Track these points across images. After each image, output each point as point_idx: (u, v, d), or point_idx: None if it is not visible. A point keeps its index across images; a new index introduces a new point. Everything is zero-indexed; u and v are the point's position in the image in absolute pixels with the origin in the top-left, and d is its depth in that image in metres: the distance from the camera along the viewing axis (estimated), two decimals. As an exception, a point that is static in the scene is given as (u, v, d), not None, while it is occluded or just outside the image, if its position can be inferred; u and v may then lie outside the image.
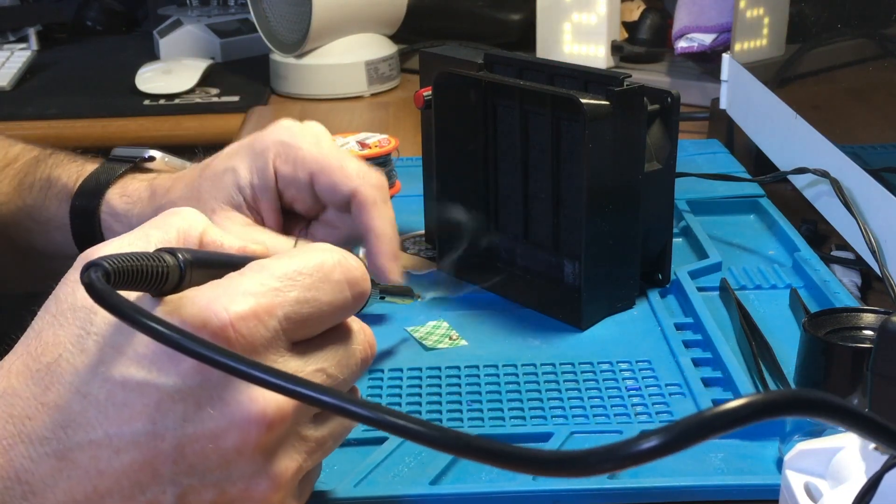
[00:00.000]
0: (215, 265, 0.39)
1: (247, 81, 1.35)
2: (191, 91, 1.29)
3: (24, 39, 1.56)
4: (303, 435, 0.40)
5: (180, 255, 0.37)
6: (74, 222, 0.68)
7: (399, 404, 0.55)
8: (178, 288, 0.37)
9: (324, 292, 0.39)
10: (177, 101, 1.27)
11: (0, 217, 0.73)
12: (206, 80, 1.33)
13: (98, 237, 0.68)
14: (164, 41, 1.47)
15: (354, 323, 0.43)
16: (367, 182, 0.60)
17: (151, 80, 1.31)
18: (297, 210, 0.62)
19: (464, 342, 0.62)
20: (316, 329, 0.40)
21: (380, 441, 0.51)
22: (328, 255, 0.41)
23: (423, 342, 0.62)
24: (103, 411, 0.36)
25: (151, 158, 0.72)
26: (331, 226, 0.62)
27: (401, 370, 0.59)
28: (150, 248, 0.38)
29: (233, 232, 0.49)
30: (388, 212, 0.60)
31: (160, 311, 0.36)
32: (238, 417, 0.36)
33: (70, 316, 0.37)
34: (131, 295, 0.37)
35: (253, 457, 0.37)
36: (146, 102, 1.27)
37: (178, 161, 0.74)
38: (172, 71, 1.33)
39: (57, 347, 0.37)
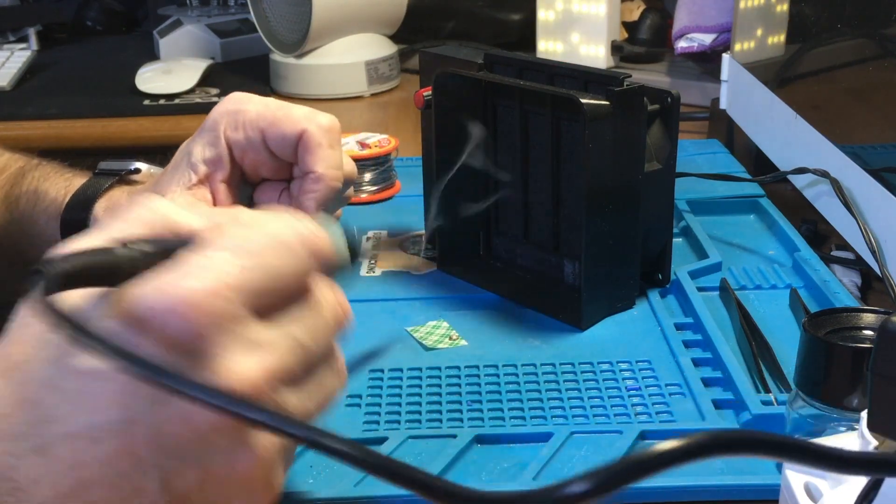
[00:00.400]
0: (174, 248, 0.38)
1: (247, 81, 1.35)
2: (191, 91, 1.29)
3: (24, 39, 1.56)
4: (282, 403, 0.39)
5: (134, 246, 0.36)
6: (65, 236, 0.68)
7: (399, 404, 0.55)
8: (135, 277, 0.36)
9: (276, 257, 0.39)
10: (177, 101, 1.27)
11: None
12: (206, 80, 1.33)
13: None
14: (164, 41, 1.47)
15: (323, 286, 0.42)
16: (314, 122, 0.58)
17: (151, 80, 1.31)
18: (267, 176, 0.60)
19: (464, 342, 0.62)
20: (277, 296, 0.39)
21: (380, 441, 0.51)
22: (276, 218, 0.40)
23: (423, 342, 0.62)
24: (76, 403, 0.36)
25: (137, 171, 0.72)
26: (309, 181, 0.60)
27: (401, 370, 0.59)
28: (113, 242, 0.38)
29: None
30: (333, 156, 0.58)
31: (112, 304, 0.36)
32: None
33: (38, 316, 0.37)
34: (88, 291, 0.36)
35: (230, 433, 0.36)
36: (146, 102, 1.27)
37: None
38: (172, 71, 1.33)
39: (27, 345, 0.37)
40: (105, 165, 0.73)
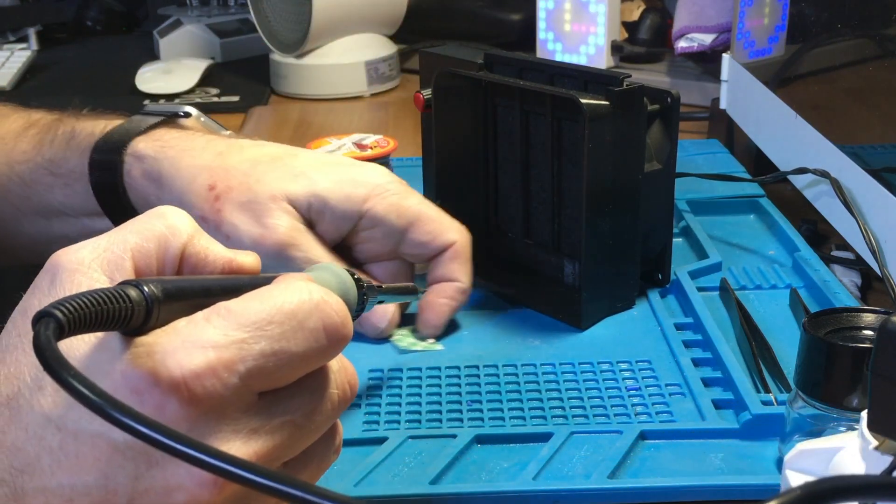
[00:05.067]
0: (188, 295, 0.36)
1: (247, 81, 1.35)
2: (191, 91, 1.29)
3: (24, 39, 1.56)
4: None
5: (146, 290, 0.34)
6: (94, 171, 0.66)
7: (398, 404, 0.55)
8: (146, 323, 0.35)
9: (295, 342, 0.36)
10: (177, 101, 1.27)
11: (18, 176, 0.70)
12: (206, 80, 1.33)
13: (119, 186, 0.65)
14: (164, 41, 1.47)
15: (334, 363, 0.40)
16: (465, 235, 0.63)
17: (151, 80, 1.31)
18: (357, 252, 0.63)
19: (440, 346, 0.62)
20: (286, 380, 0.37)
21: (380, 441, 0.51)
22: (306, 297, 0.37)
23: (398, 344, 0.61)
24: (56, 460, 0.34)
25: (187, 115, 0.70)
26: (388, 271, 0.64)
27: (401, 370, 0.59)
28: (127, 253, 0.37)
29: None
30: (470, 269, 0.63)
31: (121, 360, 0.34)
32: (188, 479, 0.35)
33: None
34: (96, 336, 0.35)
35: None
36: (146, 102, 1.27)
37: (214, 123, 0.73)
38: (172, 71, 1.33)
39: (17, 379, 0.35)
40: (152, 108, 0.71)
